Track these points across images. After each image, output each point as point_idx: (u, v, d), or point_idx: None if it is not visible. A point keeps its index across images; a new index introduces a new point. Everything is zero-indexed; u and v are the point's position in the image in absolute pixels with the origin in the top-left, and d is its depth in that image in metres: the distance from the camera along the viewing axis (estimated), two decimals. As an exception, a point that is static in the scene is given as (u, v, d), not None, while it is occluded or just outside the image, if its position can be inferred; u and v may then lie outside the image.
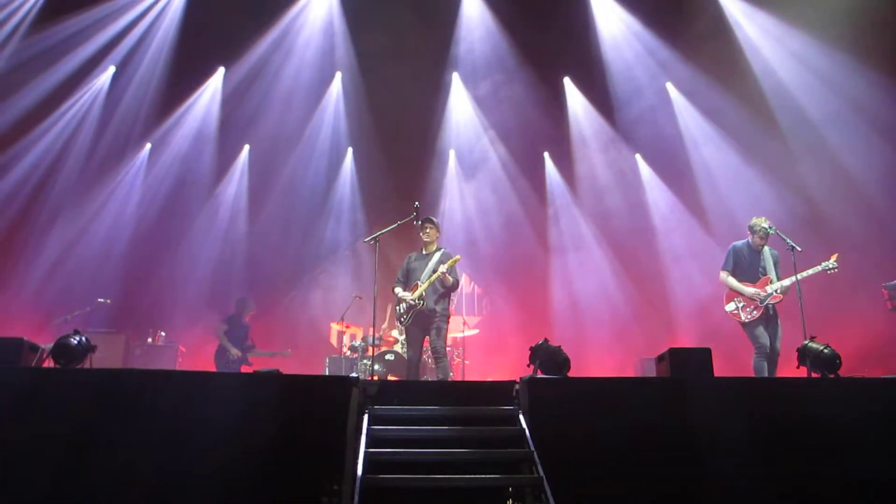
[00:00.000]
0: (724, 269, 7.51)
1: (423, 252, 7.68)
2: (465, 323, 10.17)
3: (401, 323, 7.47)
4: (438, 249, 7.65)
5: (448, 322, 7.55)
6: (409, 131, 11.74)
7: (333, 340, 11.74)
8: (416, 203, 7.51)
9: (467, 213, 11.98)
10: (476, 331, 10.77)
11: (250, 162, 11.81)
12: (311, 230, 11.85)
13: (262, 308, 11.18)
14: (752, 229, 7.45)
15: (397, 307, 7.59)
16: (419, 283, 7.45)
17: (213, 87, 11.20)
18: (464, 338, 10.18)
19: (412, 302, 7.32)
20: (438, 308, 7.45)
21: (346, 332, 10.22)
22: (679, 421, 5.38)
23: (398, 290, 7.62)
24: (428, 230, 7.56)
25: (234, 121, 11.35)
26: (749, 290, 7.32)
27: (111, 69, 10.62)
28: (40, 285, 10.06)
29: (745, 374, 7.34)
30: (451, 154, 12.12)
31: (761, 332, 7.22)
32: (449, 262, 7.44)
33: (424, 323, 7.41)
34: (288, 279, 11.96)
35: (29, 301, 9.87)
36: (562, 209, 11.83)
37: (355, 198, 12.04)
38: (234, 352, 9.39)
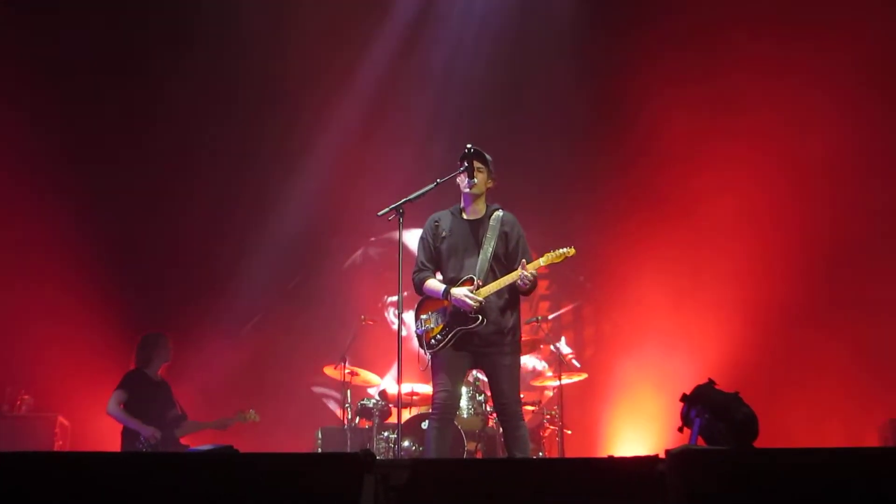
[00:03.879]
0: None
1: (464, 215, 7.55)
2: (565, 357, 10.23)
3: (429, 348, 7.34)
4: (494, 209, 7.53)
5: (520, 353, 7.48)
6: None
7: (330, 401, 12.09)
8: (469, 146, 7.42)
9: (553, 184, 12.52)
10: (583, 375, 10.77)
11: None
12: (293, 206, 12.48)
13: (205, 349, 11.50)
14: None
15: (421, 317, 7.49)
16: (475, 278, 7.28)
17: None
18: (560, 387, 10.21)
19: (472, 303, 7.17)
20: (509, 326, 7.34)
21: (352, 381, 10.38)
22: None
23: (432, 282, 7.48)
24: (477, 174, 7.39)
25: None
26: None
27: None
28: None
29: None
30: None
31: None
32: (549, 257, 7.32)
33: (478, 353, 7.31)
34: (250, 298, 12.41)
35: None
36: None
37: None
38: (149, 432, 9.38)
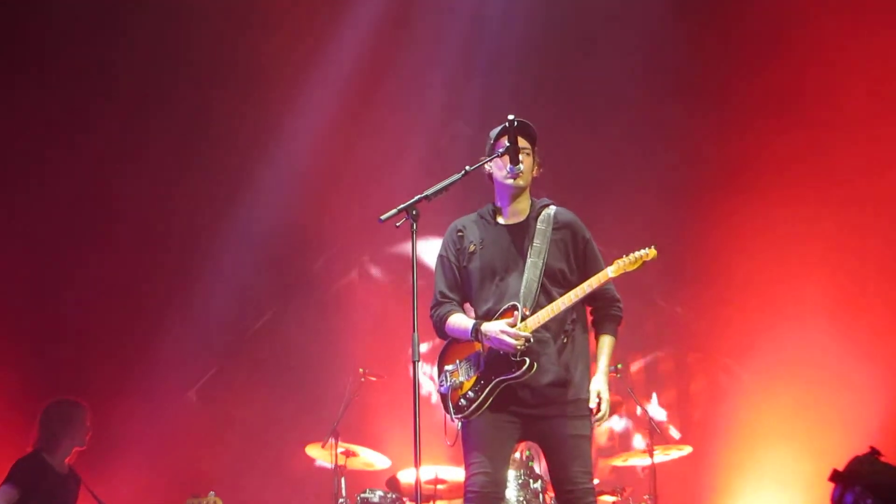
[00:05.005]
0: None
1: (501, 218, 7.38)
2: (659, 424, 10.21)
3: (459, 413, 7.14)
4: (542, 206, 7.36)
5: (592, 420, 7.22)
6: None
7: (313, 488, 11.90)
8: (512, 117, 7.20)
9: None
10: (685, 449, 10.70)
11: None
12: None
13: (136, 422, 11.65)
14: None
15: (446, 369, 7.29)
16: (518, 305, 7.07)
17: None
18: (653, 468, 10.23)
19: (513, 341, 6.94)
20: (574, 376, 7.12)
21: (346, 464, 10.43)
22: None
23: (458, 318, 7.33)
24: (523, 157, 7.18)
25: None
26: None
27: None
28: None
29: None
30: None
31: None
32: (620, 264, 7.04)
33: (529, 417, 7.09)
34: (200, 346, 12.57)
35: None
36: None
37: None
38: None
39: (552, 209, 7.33)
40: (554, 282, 7.18)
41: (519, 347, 6.93)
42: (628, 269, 7.07)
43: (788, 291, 11.79)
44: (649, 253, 7.10)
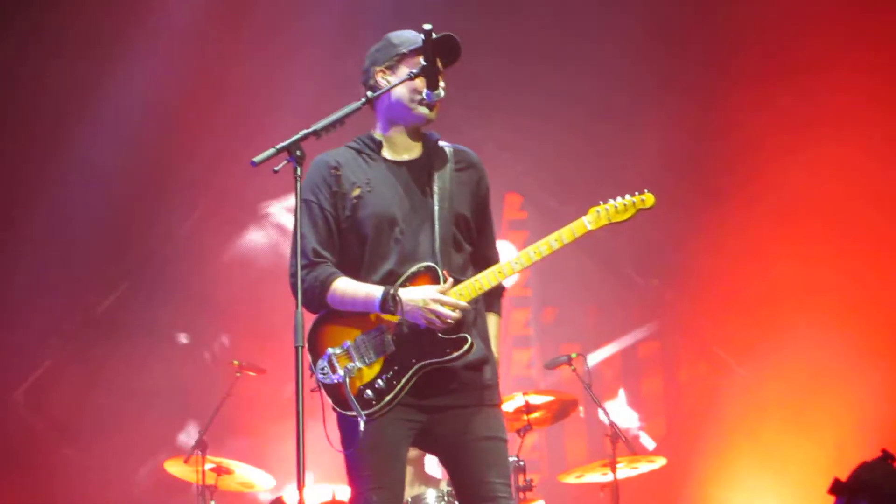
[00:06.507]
0: None
1: (387, 153, 7.29)
2: (624, 432, 10.29)
3: (366, 408, 6.93)
4: (434, 141, 7.34)
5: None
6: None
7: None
8: (428, 27, 7.20)
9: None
10: (657, 461, 10.81)
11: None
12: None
13: None
14: None
15: (330, 353, 7.06)
16: (438, 267, 6.99)
17: None
18: (615, 484, 10.27)
19: (452, 318, 6.85)
20: (494, 358, 7.19)
21: (217, 484, 10.33)
22: None
23: (345, 284, 7.13)
24: (442, 79, 7.12)
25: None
26: None
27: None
28: None
29: None
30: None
31: None
32: (604, 212, 7.01)
33: (435, 411, 7.07)
34: (24, 337, 12.73)
35: None
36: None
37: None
38: None
39: (447, 146, 7.38)
40: (462, 236, 7.24)
41: (453, 319, 6.85)
42: (614, 220, 7.09)
43: (814, 255, 11.98)
44: (646, 199, 7.12)
